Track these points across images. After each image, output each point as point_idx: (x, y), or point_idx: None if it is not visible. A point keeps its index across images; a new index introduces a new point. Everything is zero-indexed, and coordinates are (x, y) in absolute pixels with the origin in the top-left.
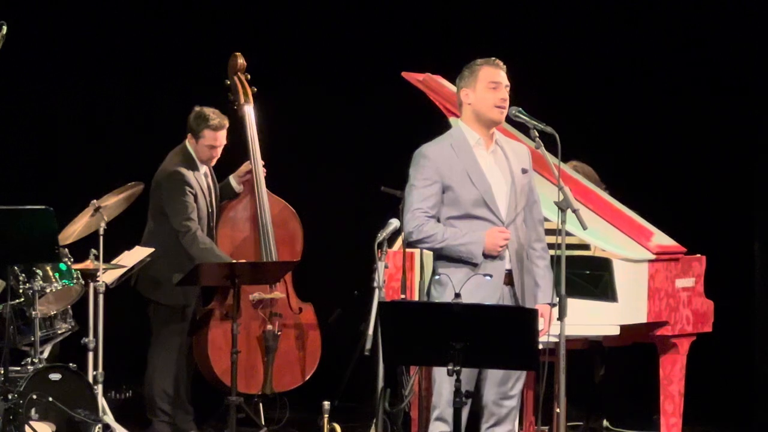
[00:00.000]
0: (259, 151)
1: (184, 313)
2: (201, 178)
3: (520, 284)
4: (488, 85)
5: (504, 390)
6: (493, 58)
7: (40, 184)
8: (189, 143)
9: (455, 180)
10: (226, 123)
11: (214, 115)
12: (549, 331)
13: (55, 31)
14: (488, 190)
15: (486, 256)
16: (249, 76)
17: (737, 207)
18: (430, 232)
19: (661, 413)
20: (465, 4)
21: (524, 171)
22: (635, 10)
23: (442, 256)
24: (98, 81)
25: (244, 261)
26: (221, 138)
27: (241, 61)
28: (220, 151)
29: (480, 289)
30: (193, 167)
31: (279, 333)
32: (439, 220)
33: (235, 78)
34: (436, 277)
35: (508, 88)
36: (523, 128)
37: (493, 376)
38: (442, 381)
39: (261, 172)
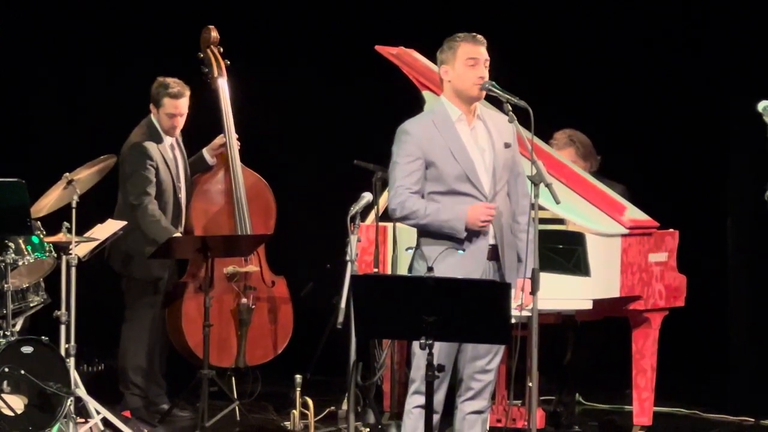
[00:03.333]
0: (233, 124)
1: (157, 287)
2: (166, 150)
3: (505, 259)
4: (466, 62)
5: (481, 364)
6: (473, 34)
7: (12, 156)
8: (153, 114)
9: (438, 156)
10: (187, 92)
11: (174, 83)
12: (528, 305)
13: (27, 4)
14: (471, 165)
15: (469, 230)
16: (222, 50)
17: (710, 182)
18: (413, 208)
19: (633, 387)
20: None
21: (507, 145)
22: None
23: (425, 231)
24: (71, 54)
25: (213, 234)
26: (181, 106)
27: (214, 34)
28: (181, 120)
29: (462, 264)
30: (157, 139)
31: (253, 306)
32: (423, 196)
33: (209, 51)
34: (419, 250)
35: (488, 63)
36: (497, 102)
37: (470, 350)
38: (421, 355)
39: (235, 145)
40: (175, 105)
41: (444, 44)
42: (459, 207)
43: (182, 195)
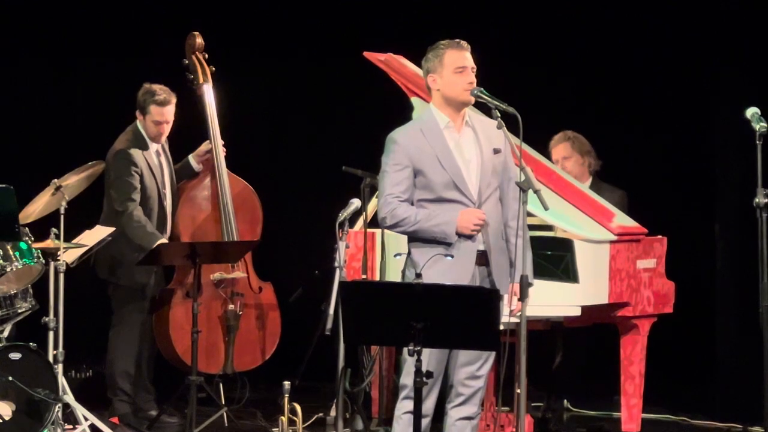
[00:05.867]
0: (218, 131)
1: (144, 293)
2: (151, 157)
3: (494, 264)
4: (455, 70)
5: (471, 370)
6: (457, 40)
7: None
8: (139, 121)
9: (425, 164)
10: (173, 99)
11: (161, 90)
12: (517, 311)
13: (14, 9)
14: (458, 172)
15: (459, 235)
16: (207, 56)
17: (698, 188)
18: (403, 215)
19: (621, 394)
20: None
21: (497, 151)
22: None
23: (416, 237)
24: (59, 59)
25: (200, 241)
26: (167, 114)
27: (199, 40)
28: (167, 127)
29: (451, 270)
30: (143, 146)
31: (241, 312)
32: (412, 204)
33: (194, 57)
34: (410, 257)
35: (475, 70)
36: (486, 109)
37: (461, 356)
38: (411, 361)
39: (221, 151)
40: (162, 112)
41: (428, 53)
42: (449, 213)
43: (167, 202)
